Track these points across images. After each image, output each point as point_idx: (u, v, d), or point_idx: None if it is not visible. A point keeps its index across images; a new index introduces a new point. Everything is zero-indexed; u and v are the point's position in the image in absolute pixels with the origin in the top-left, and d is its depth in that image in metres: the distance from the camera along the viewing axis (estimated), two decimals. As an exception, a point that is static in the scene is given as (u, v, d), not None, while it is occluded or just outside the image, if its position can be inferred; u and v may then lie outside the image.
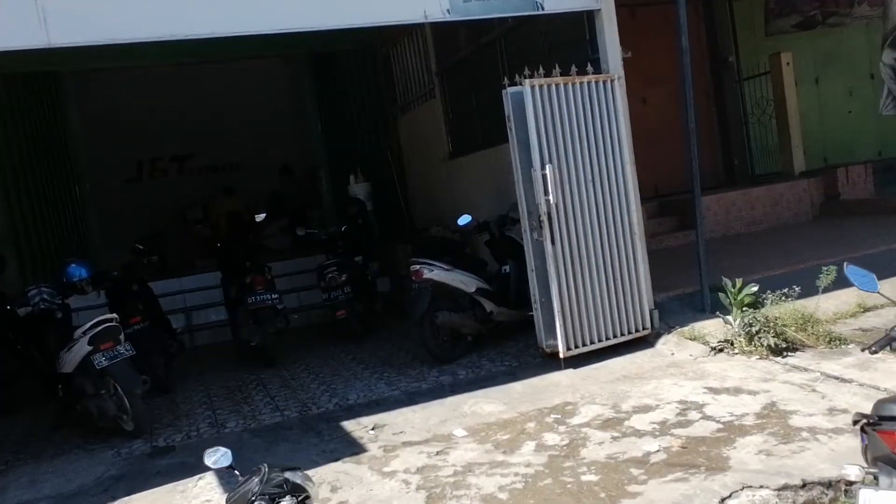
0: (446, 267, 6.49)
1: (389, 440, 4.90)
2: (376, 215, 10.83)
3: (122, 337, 5.41)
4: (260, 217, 8.59)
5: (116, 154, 15.18)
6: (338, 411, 5.56)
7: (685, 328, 6.17)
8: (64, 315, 6.02)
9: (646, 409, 4.90)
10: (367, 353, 7.25)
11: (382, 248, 10.33)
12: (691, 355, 5.87)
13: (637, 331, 6.21)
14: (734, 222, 9.66)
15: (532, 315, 6.13)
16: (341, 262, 7.86)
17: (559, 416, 4.96)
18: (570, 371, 5.83)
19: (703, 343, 5.95)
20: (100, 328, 5.32)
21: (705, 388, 5.17)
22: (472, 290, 6.57)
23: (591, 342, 6.02)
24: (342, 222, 9.09)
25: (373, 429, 5.12)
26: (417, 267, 6.40)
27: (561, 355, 5.87)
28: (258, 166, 15.80)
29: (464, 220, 7.17)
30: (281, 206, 15.37)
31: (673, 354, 5.96)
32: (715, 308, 6.33)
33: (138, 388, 5.27)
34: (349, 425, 5.24)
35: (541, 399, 5.32)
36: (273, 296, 7.06)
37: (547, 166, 5.73)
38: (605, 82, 6.09)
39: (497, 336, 6.94)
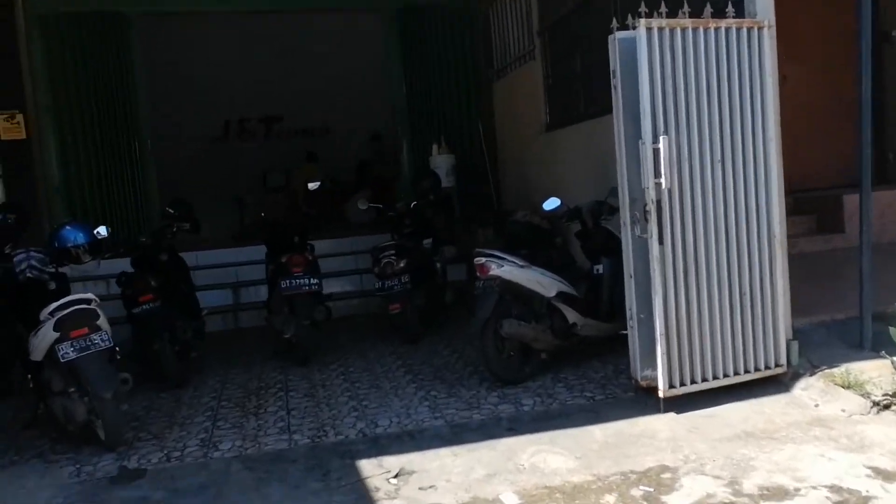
0: (521, 262, 5.08)
1: (414, 497, 3.60)
2: (459, 192, 9.50)
3: (100, 322, 4.34)
4: (314, 185, 7.27)
5: (204, 113, 14.59)
6: (359, 443, 4.30)
7: (835, 370, 4.52)
8: (59, 286, 5.03)
9: (780, 493, 3.38)
10: (420, 360, 5.95)
11: (462, 230, 8.99)
12: (844, 410, 4.24)
13: (767, 367, 4.61)
14: (890, 227, 7.71)
15: (627, 333, 4.67)
16: (402, 245, 6.58)
17: (650, 490, 3.50)
18: (671, 416, 4.34)
19: (862, 394, 4.29)
20: (69, 310, 4.26)
21: (869, 467, 3.58)
22: (552, 293, 5.14)
23: (704, 378, 4.49)
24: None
25: (396, 476, 3.83)
26: (483, 261, 5.02)
27: (661, 394, 4.37)
28: (350, 132, 14.88)
29: (550, 203, 5.73)
30: (367, 176, 14.37)
31: (817, 406, 4.34)
32: (878, 345, 4.67)
33: (108, 391, 4.18)
34: (367, 466, 3.97)
35: (628, 456, 3.87)
36: (312, 281, 5.88)
37: (661, 138, 4.21)
38: (750, 30, 4.47)
39: (580, 354, 5.49)
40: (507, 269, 4.99)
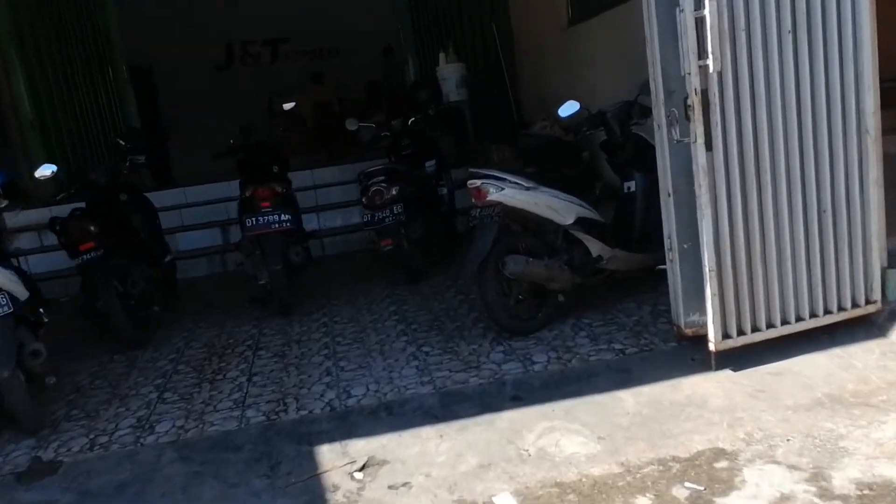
0: (527, 183, 4.01)
1: (379, 501, 2.70)
2: (472, 106, 8.37)
3: (-1, 282, 3.45)
4: (288, 105, 6.25)
5: (205, 37, 13.55)
6: (324, 420, 3.39)
7: (947, 306, 3.45)
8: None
9: (889, 493, 2.38)
10: (417, 304, 5.00)
11: (475, 149, 7.91)
12: (963, 361, 3.18)
13: (856, 305, 3.53)
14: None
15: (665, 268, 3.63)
16: (392, 169, 5.53)
17: (700, 489, 2.54)
18: (726, 375, 3.32)
19: None
20: (-49, 271, 3.38)
21: None
22: (570, 220, 4.08)
23: (770, 325, 3.44)
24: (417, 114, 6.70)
25: (362, 469, 2.93)
26: (478, 184, 3.97)
27: (712, 346, 3.35)
28: (360, 50, 13.71)
29: (567, 108, 4.60)
30: (378, 95, 13.24)
31: (925, 355, 3.29)
32: None
33: (5, 369, 3.32)
34: (328, 455, 3.07)
35: (668, 435, 2.89)
36: (283, 217, 4.90)
37: (706, 2, 3.06)
38: None
39: (607, 295, 4.47)
40: (510, 193, 3.93)
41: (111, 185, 5.44)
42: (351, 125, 6.28)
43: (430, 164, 6.31)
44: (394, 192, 5.32)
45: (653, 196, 4.25)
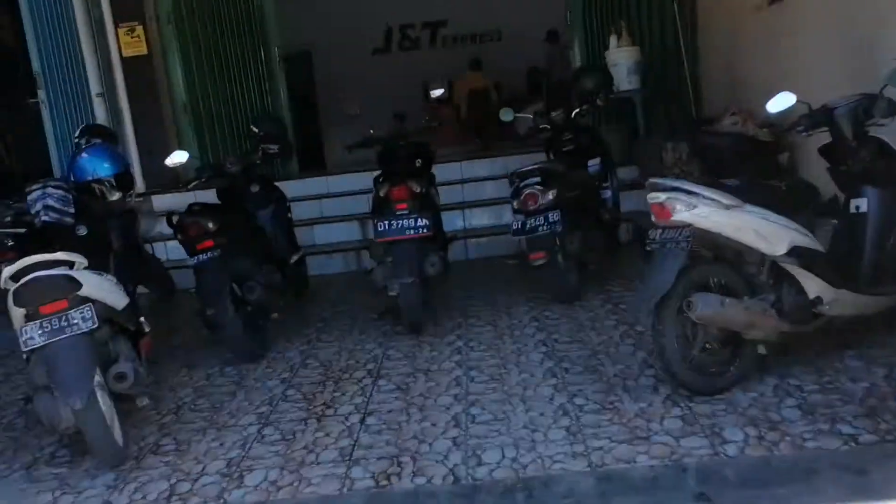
0: (727, 200, 3.06)
1: None
2: (646, 96, 7.34)
3: (84, 292, 2.99)
4: (437, 93, 5.61)
5: (363, 21, 13.31)
6: (443, 496, 2.66)
7: None
8: (93, 230, 3.79)
9: None
10: (570, 333, 4.16)
11: (646, 147, 6.90)
12: None
13: None
14: None
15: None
16: (550, 169, 4.69)
17: None
18: None
19: None
20: (32, 276, 2.95)
21: None
22: (781, 250, 3.08)
23: None
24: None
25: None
26: (662, 198, 3.07)
27: None
28: (522, 34, 12.94)
29: (780, 102, 3.57)
30: (540, 82, 12.40)
31: None
32: None
33: (78, 399, 2.85)
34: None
35: None
36: (420, 223, 4.20)
37: None
38: None
39: (822, 345, 3.43)
40: (704, 213, 3.00)
41: (243, 175, 5.04)
42: (506, 115, 5.53)
43: (593, 164, 5.43)
44: (550, 197, 4.50)
45: (892, 218, 3.23)
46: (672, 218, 3.03)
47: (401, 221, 4.22)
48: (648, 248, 3.17)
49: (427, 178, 4.95)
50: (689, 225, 3.02)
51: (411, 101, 13.08)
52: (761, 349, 3.19)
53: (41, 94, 8.19)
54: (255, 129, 5.07)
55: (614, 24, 7.57)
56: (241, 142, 8.16)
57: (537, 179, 4.61)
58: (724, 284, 3.13)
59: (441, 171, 6.95)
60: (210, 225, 4.14)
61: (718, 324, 3.07)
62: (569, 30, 7.91)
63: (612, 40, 7.33)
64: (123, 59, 7.94)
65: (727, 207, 3.04)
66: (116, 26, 7.86)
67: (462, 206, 6.92)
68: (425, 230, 4.23)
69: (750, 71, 6.24)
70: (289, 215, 5.38)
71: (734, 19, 6.55)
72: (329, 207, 7.27)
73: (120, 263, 3.91)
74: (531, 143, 6.54)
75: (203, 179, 4.97)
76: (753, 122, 5.42)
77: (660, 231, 3.12)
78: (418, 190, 4.31)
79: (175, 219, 4.26)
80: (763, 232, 3.06)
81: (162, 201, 7.14)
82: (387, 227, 4.24)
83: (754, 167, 5.33)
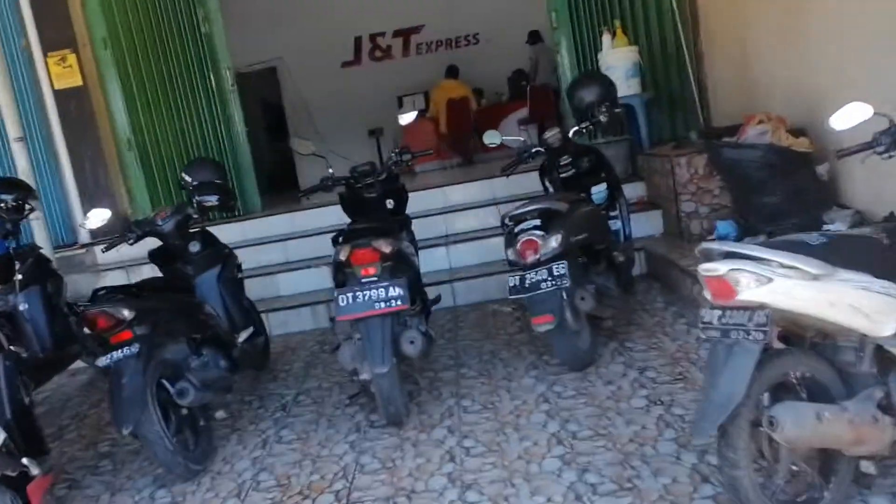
0: (813, 266, 2.18)
1: None
2: (647, 102, 6.49)
3: None
4: (406, 118, 4.61)
5: (330, 32, 12.45)
6: None
7: None
8: None
9: None
10: (591, 420, 3.26)
11: (652, 162, 6.03)
12: None
13: None
14: None
15: None
16: (551, 210, 3.80)
17: None
18: None
19: None
20: None
21: None
22: (888, 330, 2.22)
23: None
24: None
25: None
26: (722, 270, 2.19)
27: None
28: (502, 36, 12.14)
29: (851, 115, 2.66)
30: (522, 88, 11.55)
31: None
32: None
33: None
34: None
35: None
36: (393, 292, 3.30)
37: None
38: None
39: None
40: (785, 287, 2.13)
41: (178, 231, 4.14)
42: (491, 139, 4.66)
43: (598, 190, 4.58)
44: (553, 245, 3.62)
45: None
46: (739, 297, 2.16)
47: (368, 293, 3.32)
48: (705, 337, 2.29)
49: (401, 225, 4.08)
50: (764, 305, 2.14)
51: (385, 114, 12.27)
52: (868, 467, 2.32)
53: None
54: (187, 178, 4.16)
55: (606, 23, 6.72)
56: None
57: (536, 222, 3.73)
58: (811, 382, 2.25)
59: (418, 201, 6.09)
60: (125, 312, 3.23)
61: (815, 444, 2.20)
62: (554, 31, 7.02)
63: (605, 40, 6.47)
64: (56, 92, 7.03)
65: (815, 277, 2.17)
66: (45, 55, 6.95)
67: (445, 241, 6.04)
68: (399, 301, 3.33)
69: (770, 69, 5.39)
70: (238, 276, 4.46)
71: (747, 6, 5.70)
72: (296, 250, 6.37)
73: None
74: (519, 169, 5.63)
75: (129, 241, 4.08)
76: (785, 130, 4.56)
77: (719, 313, 2.24)
78: (389, 250, 3.41)
79: (79, 309, 3.37)
80: (864, 307, 2.19)
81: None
82: (350, 300, 3.34)
83: (790, 184, 4.50)
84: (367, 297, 3.32)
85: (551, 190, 4.65)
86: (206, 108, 7.22)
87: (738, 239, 4.94)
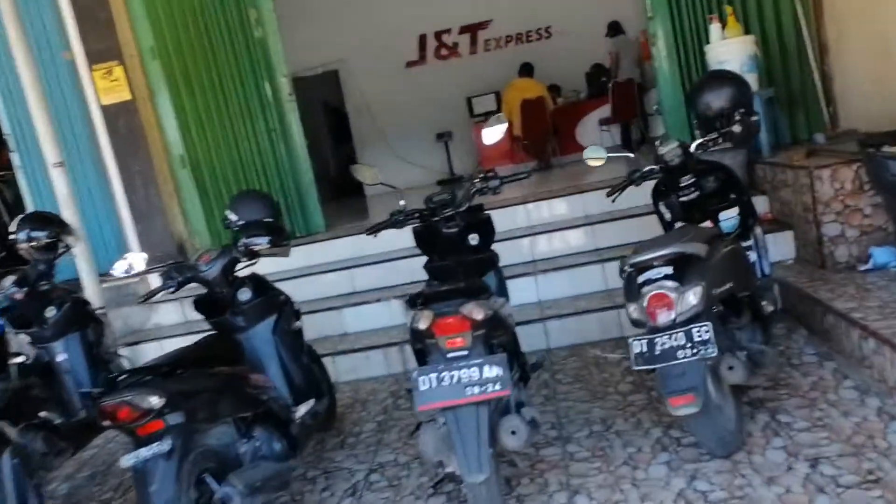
0: None
1: None
2: (769, 104, 5.55)
3: None
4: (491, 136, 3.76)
5: (393, 31, 11.78)
6: None
7: None
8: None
9: None
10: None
11: (777, 173, 5.09)
12: None
13: None
14: None
15: None
16: (686, 255, 2.96)
17: None
18: None
19: None
20: None
21: None
22: None
23: None
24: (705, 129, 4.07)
25: None
26: None
27: None
28: (580, 29, 11.29)
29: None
30: (603, 84, 10.66)
31: None
32: None
33: None
34: None
35: None
36: (488, 372, 2.53)
37: None
38: None
39: None
40: None
41: (225, 277, 3.48)
42: (594, 154, 3.82)
43: (728, 217, 3.70)
44: (693, 301, 2.79)
45: None
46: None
47: (457, 373, 2.56)
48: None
49: (488, 263, 3.33)
50: None
51: (454, 116, 11.54)
52: None
53: (14, 157, 6.87)
54: (232, 217, 3.49)
55: (712, 10, 5.80)
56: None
57: (668, 270, 2.90)
58: None
59: (499, 219, 5.35)
60: (152, 400, 2.56)
61: None
62: (649, 21, 6.12)
63: (715, 30, 5.55)
64: (103, 108, 6.52)
65: None
66: (90, 68, 6.44)
67: (533, 269, 5.24)
68: (498, 386, 2.56)
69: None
70: (297, 326, 3.76)
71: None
72: (363, 279, 5.67)
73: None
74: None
75: (171, 289, 3.44)
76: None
77: None
78: (482, 316, 2.64)
79: (93, 398, 2.71)
80: None
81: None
82: (434, 383, 2.58)
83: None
84: (455, 380, 2.56)
85: (668, 216, 3.79)
86: (262, 119, 6.59)
87: (903, 270, 4.02)
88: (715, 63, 5.48)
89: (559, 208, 5.88)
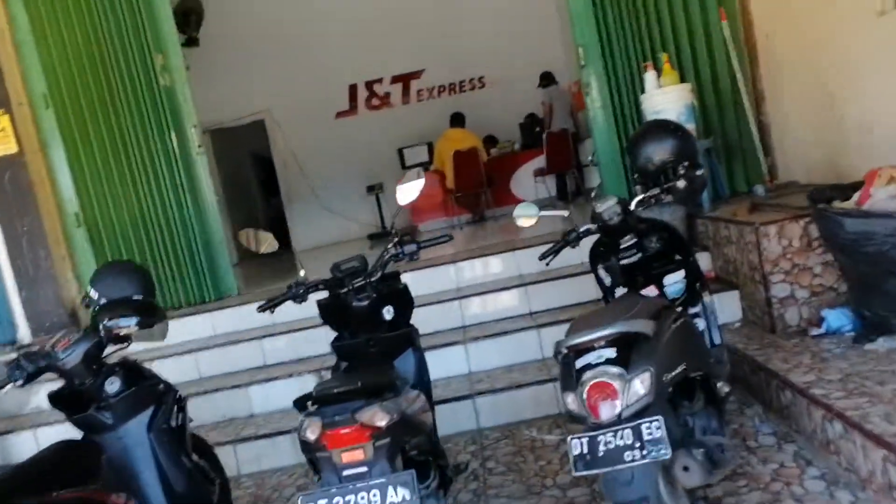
0: None
1: None
2: (711, 154, 5.29)
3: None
4: (406, 196, 3.23)
5: (322, 81, 11.42)
6: None
7: None
8: None
9: None
10: None
11: (720, 229, 4.77)
12: None
13: None
14: None
15: None
16: (630, 335, 2.53)
17: None
18: None
19: None
20: None
21: None
22: None
23: None
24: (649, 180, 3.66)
25: None
26: None
27: None
28: (513, 79, 11.16)
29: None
30: (537, 134, 10.43)
31: None
32: None
33: None
34: None
35: None
36: (396, 496, 2.04)
37: None
38: None
39: None
40: None
41: (88, 366, 2.89)
42: (524, 213, 3.42)
43: (673, 281, 3.29)
44: (641, 391, 2.34)
45: None
46: None
47: (352, 498, 2.04)
48: None
49: (405, 340, 2.86)
50: None
51: (385, 168, 11.13)
52: None
53: None
54: (93, 294, 2.91)
55: (647, 57, 5.55)
56: (154, 262, 6.05)
57: (610, 353, 2.45)
58: None
59: (426, 280, 4.89)
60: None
61: None
62: (582, 69, 5.83)
63: (650, 78, 5.28)
64: (-12, 163, 5.87)
65: None
66: (-29, 119, 5.80)
67: (462, 336, 4.76)
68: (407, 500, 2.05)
69: (873, 111, 4.18)
70: (179, 422, 3.14)
71: (832, 36, 4.51)
72: (274, 350, 5.09)
73: None
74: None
75: (17, 382, 2.82)
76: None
77: None
78: (384, 422, 2.14)
79: None
80: None
81: None
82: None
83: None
84: (346, 496, 2.03)
85: (608, 281, 3.37)
86: (167, 174, 6.00)
87: (858, 336, 3.68)
88: (651, 113, 5.20)
89: (492, 267, 5.45)
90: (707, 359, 2.98)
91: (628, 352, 2.43)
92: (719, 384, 2.93)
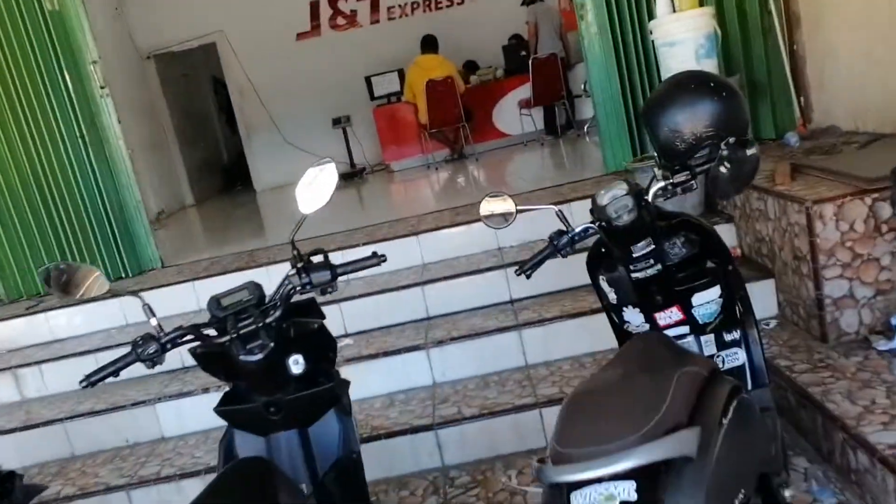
0: None
1: None
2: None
3: None
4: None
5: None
6: None
7: None
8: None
9: None
10: None
11: (746, 193, 3.75)
12: None
13: None
14: None
15: None
16: (647, 468, 1.58)
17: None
18: None
19: None
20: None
21: None
22: None
23: None
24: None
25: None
26: None
27: None
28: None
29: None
30: (522, 59, 9.23)
31: None
32: None
33: None
34: None
35: None
36: None
37: None
38: None
39: None
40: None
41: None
42: (495, 211, 2.42)
43: (705, 301, 2.35)
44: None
45: None
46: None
47: None
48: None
49: (326, 402, 1.91)
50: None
51: (352, 98, 9.96)
52: None
53: None
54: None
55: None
56: (55, 233, 4.99)
57: (627, 492, 1.48)
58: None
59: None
60: None
61: None
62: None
63: (661, 2, 4.15)
64: None
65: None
66: None
67: (421, 339, 3.77)
68: None
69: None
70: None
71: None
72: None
73: None
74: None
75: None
76: None
77: None
78: None
79: None
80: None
81: None
82: None
83: None
84: None
85: (612, 296, 2.38)
86: (62, 124, 4.88)
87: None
88: (662, 44, 4.11)
89: (469, 240, 4.41)
90: (779, 463, 2.01)
91: (655, 489, 1.46)
92: (782, 489, 1.98)
